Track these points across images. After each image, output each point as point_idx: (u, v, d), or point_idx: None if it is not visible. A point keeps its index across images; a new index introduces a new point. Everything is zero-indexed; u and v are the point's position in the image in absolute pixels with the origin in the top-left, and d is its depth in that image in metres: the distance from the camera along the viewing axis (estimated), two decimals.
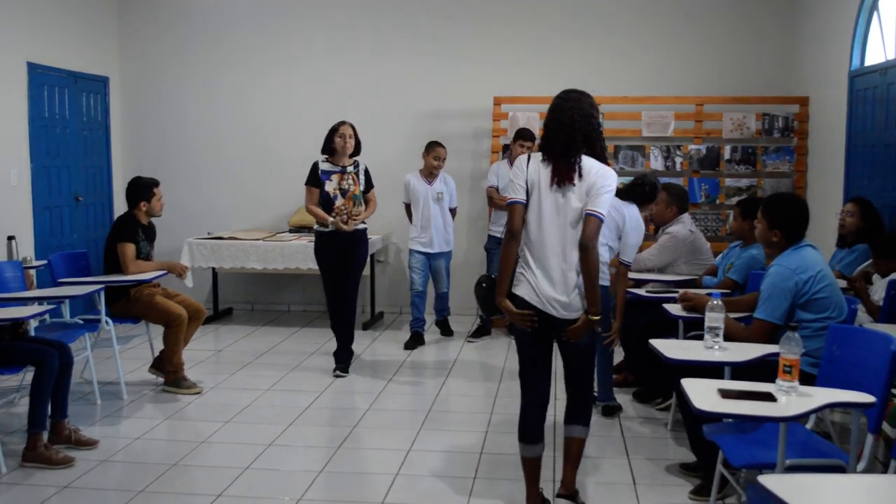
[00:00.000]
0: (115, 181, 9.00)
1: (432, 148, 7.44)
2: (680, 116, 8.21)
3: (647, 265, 6.02)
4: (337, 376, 6.46)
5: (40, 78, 7.74)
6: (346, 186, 6.39)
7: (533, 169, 3.77)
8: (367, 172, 6.60)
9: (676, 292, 5.29)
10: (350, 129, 6.50)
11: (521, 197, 3.75)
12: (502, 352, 7.27)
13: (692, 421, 4.05)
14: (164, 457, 4.81)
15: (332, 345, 6.64)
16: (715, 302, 3.87)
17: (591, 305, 3.70)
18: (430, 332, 7.82)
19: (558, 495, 4.02)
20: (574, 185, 3.69)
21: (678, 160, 8.21)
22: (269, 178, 8.83)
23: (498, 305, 3.81)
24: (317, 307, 8.84)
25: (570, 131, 3.69)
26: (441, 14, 8.65)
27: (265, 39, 8.94)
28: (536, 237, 3.76)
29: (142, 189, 6.16)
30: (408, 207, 7.59)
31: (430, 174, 7.49)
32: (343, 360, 6.62)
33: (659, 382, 5.55)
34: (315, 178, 6.40)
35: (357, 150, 6.55)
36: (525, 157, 3.84)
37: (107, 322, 5.83)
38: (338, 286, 6.51)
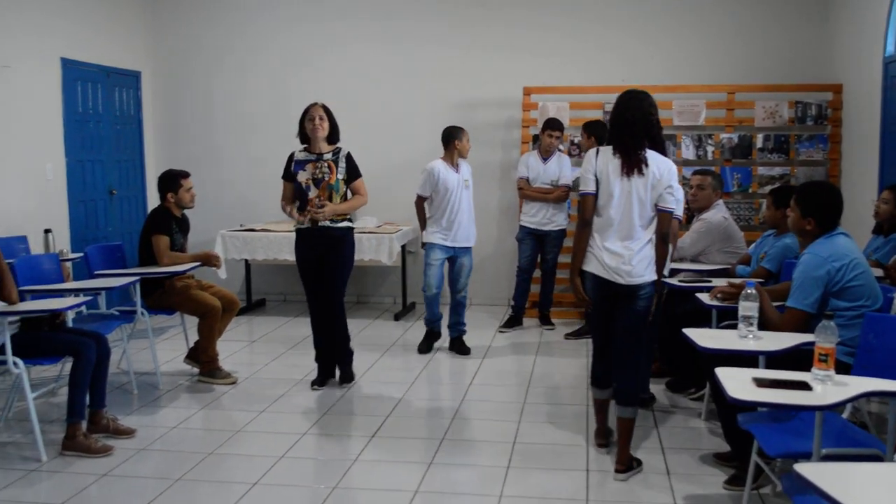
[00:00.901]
0: (147, 174, 9.10)
1: (462, 132, 6.84)
2: (711, 105, 8.15)
3: (682, 253, 5.99)
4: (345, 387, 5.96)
5: (74, 73, 7.84)
6: (320, 175, 5.68)
7: (602, 161, 4.30)
8: (349, 159, 5.78)
9: (709, 281, 5.27)
10: (321, 110, 5.72)
11: (593, 188, 4.30)
12: (534, 340, 7.28)
13: (726, 410, 4.04)
14: (200, 445, 4.87)
15: (365, 335, 6.54)
16: (749, 291, 3.85)
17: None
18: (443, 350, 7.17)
19: (616, 471, 4.38)
20: (642, 175, 4.22)
21: (710, 149, 8.16)
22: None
23: (571, 282, 4.47)
24: (349, 297, 8.88)
25: (633, 128, 4.25)
26: (473, 2, 8.65)
27: (294, 32, 8.99)
28: (605, 218, 4.28)
29: (169, 180, 6.24)
30: (421, 200, 6.86)
31: (453, 161, 6.84)
32: (347, 372, 6.06)
33: (692, 372, 5.53)
34: (288, 171, 5.80)
35: (334, 135, 5.81)
36: (594, 150, 4.36)
37: (142, 313, 5.91)
38: (320, 295, 5.85)
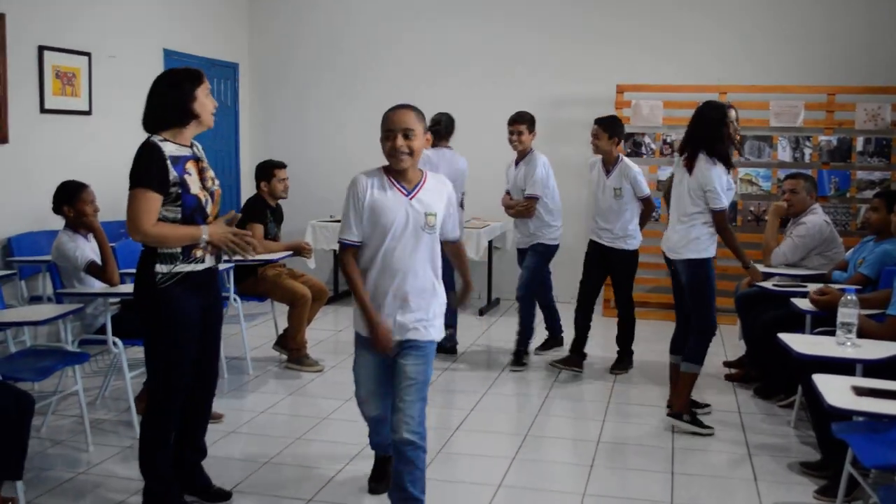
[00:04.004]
0: (242, 164, 9.30)
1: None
2: (810, 106, 7.93)
3: (783, 259, 5.85)
4: None
5: (175, 64, 8.02)
6: (211, 185, 3.81)
7: (678, 160, 5.11)
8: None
9: (804, 286, 5.14)
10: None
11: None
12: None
13: (821, 419, 3.93)
14: (287, 431, 4.96)
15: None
16: (849, 297, 3.74)
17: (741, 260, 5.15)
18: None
19: (667, 415, 5.05)
20: (691, 174, 4.91)
21: (807, 151, 7.94)
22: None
23: None
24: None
25: (689, 135, 5.01)
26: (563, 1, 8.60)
27: (389, 27, 9.07)
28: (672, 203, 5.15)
29: (262, 170, 6.41)
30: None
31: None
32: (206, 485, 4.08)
33: (782, 379, 5.40)
34: (161, 174, 3.58)
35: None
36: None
37: (235, 299, 6.04)
38: (203, 360, 3.89)
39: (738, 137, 4.96)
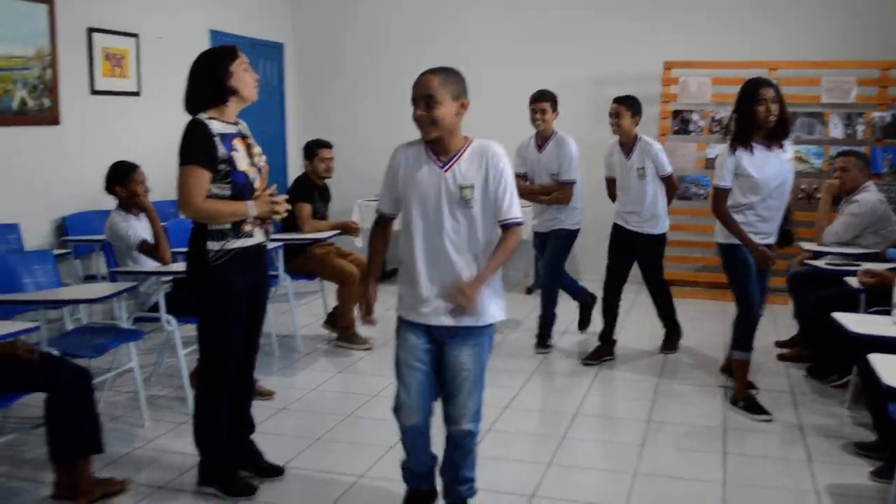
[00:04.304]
0: (288, 144, 9.36)
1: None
2: (863, 82, 7.77)
3: (835, 238, 5.76)
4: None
5: (222, 44, 8.08)
6: (258, 161, 3.87)
7: None
8: None
9: (858, 265, 5.07)
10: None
11: None
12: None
13: (876, 399, 3.88)
14: (337, 408, 5.02)
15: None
16: None
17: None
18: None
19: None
20: None
21: (860, 128, 7.79)
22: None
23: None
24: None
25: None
26: None
27: (434, 5, 9.04)
28: None
29: (307, 149, 6.49)
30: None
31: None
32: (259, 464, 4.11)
33: (835, 359, 5.34)
34: (209, 151, 3.61)
35: None
36: None
37: (284, 278, 6.11)
38: (248, 337, 3.93)
39: (771, 118, 4.61)
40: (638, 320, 7.09)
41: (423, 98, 3.18)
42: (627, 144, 5.88)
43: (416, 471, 3.57)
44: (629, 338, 6.50)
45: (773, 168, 4.68)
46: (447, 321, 3.29)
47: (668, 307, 6.23)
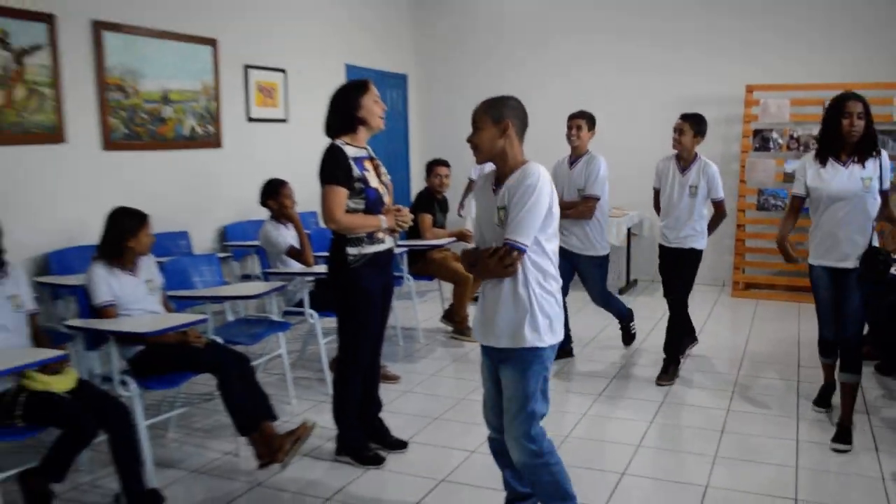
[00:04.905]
0: (412, 163, 9.54)
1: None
2: None
3: None
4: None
5: (355, 76, 8.28)
6: (385, 179, 4.01)
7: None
8: None
9: None
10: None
11: None
12: (748, 315, 7.02)
13: None
14: (453, 391, 5.12)
15: (595, 306, 5.89)
16: None
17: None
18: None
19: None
20: None
21: None
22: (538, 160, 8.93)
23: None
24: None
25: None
26: (695, 6, 8.35)
27: (537, 37, 9.07)
28: None
29: (427, 167, 6.62)
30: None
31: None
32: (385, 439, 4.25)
33: None
34: (346, 171, 3.77)
35: None
36: None
37: (408, 278, 6.25)
38: (377, 329, 4.10)
39: (854, 133, 4.05)
40: (721, 323, 6.99)
41: (472, 125, 3.00)
42: (686, 161, 5.27)
43: (515, 490, 3.25)
44: (711, 336, 6.40)
45: (841, 182, 4.11)
46: (483, 341, 3.02)
47: (675, 336, 5.41)
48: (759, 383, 5.27)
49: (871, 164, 4.10)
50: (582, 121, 5.51)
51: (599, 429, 4.51)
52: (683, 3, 8.42)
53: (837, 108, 4.09)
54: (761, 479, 3.82)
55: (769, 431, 4.42)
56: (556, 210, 2.92)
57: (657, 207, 5.50)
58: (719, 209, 5.31)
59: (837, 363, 4.36)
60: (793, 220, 4.43)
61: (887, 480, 3.80)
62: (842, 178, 4.11)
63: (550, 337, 2.92)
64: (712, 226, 5.35)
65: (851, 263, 4.12)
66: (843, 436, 4.19)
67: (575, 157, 5.57)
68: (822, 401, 4.73)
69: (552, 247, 2.94)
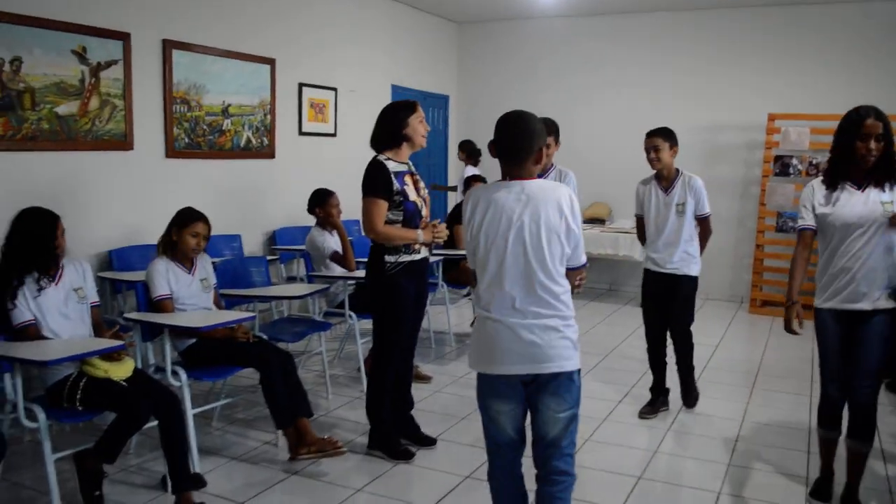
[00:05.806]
0: (449, 178, 9.53)
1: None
2: None
3: None
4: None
5: (400, 97, 8.30)
6: (423, 193, 4.00)
7: None
8: None
9: None
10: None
11: None
12: (764, 332, 6.89)
13: None
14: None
15: (614, 318, 6.11)
16: None
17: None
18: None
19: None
20: None
21: None
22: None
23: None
24: (602, 285, 8.86)
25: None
26: (721, 38, 8.26)
27: (571, 61, 9.03)
28: None
29: (466, 181, 6.62)
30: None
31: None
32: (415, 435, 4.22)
33: None
34: (387, 185, 3.78)
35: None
36: None
37: (442, 285, 6.23)
38: (410, 332, 4.08)
39: (871, 157, 3.21)
40: (736, 340, 6.87)
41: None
42: (668, 178, 4.57)
43: None
44: (727, 351, 6.29)
45: (856, 207, 3.26)
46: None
47: (686, 371, 4.83)
48: (773, 396, 5.16)
49: (890, 188, 3.25)
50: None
51: (618, 434, 4.44)
52: (714, 39, 8.33)
53: (854, 126, 3.22)
54: (773, 489, 3.73)
55: (781, 442, 4.32)
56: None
57: (641, 237, 4.81)
58: (705, 226, 4.60)
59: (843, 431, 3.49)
60: (804, 262, 3.44)
61: (892, 481, 3.70)
62: (857, 202, 3.26)
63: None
64: (701, 246, 4.64)
65: (869, 305, 3.26)
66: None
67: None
68: (821, 494, 3.58)
69: None
